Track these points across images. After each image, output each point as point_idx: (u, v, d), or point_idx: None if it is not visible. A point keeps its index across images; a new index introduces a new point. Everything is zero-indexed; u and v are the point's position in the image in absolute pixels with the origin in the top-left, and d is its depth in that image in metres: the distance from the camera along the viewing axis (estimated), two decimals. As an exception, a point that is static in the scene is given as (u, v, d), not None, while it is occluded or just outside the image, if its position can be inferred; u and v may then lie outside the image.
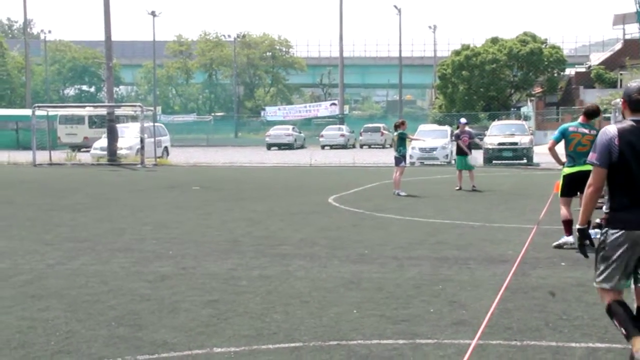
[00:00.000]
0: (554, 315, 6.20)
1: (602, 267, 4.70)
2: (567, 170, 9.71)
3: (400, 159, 17.48)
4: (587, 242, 5.06)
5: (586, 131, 9.74)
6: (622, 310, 4.63)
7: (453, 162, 30.16)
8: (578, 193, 9.29)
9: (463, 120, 19.45)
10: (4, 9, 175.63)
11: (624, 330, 4.61)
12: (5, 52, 76.47)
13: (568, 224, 9.56)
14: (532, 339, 5.56)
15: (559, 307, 6.49)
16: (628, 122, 4.66)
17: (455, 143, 19.64)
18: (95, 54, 79.40)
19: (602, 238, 4.70)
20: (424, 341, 5.50)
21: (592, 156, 4.72)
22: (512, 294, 6.96)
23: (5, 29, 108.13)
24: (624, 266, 4.61)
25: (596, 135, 5.49)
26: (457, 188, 18.12)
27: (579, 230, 5.01)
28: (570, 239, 9.50)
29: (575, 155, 9.63)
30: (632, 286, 4.77)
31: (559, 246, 9.54)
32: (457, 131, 19.45)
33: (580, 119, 9.96)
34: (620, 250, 4.58)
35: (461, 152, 18.44)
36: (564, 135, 9.79)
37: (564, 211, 9.70)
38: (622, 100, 4.84)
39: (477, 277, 7.80)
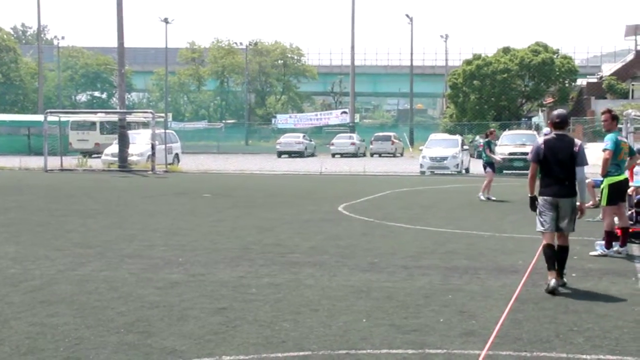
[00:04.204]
0: (564, 327, 6.16)
1: (539, 220, 7.74)
2: (615, 178, 9.75)
3: (486, 166, 18.43)
4: (536, 204, 7.78)
5: (625, 139, 9.91)
6: (549, 252, 7.62)
7: (464, 171, 30.20)
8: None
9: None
10: (18, 15, 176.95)
11: (547, 264, 7.59)
12: (19, 58, 76.97)
13: (611, 235, 9.61)
14: (543, 350, 5.53)
15: (569, 318, 6.46)
16: (551, 135, 7.76)
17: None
18: (107, 60, 79.74)
19: (537, 202, 7.75)
20: (433, 351, 5.48)
21: (529, 156, 7.87)
22: (522, 304, 6.93)
23: (19, 34, 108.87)
24: (549, 217, 7.62)
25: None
26: None
27: (530, 197, 7.89)
28: (618, 249, 9.78)
29: (621, 163, 9.81)
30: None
31: (601, 255, 9.70)
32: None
33: (614, 127, 9.91)
34: (546, 209, 7.67)
35: None
36: (617, 145, 9.81)
37: (610, 221, 9.69)
38: (549, 122, 7.98)
39: (487, 287, 7.77)
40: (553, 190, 7.63)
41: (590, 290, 7.59)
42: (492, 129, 19.77)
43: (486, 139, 18.86)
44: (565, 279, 7.74)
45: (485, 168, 18.56)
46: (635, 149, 11.58)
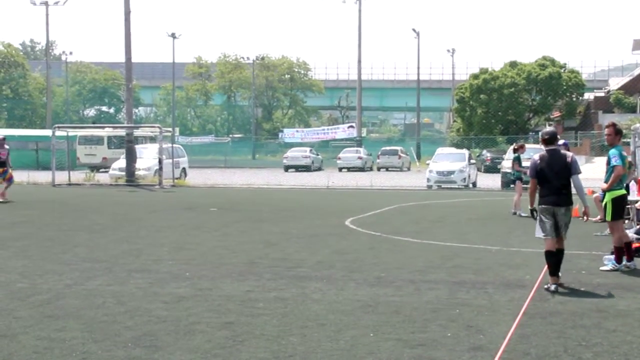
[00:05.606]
0: (572, 342, 6.14)
1: (540, 226, 8.57)
2: (618, 192, 9.76)
3: (516, 181, 18.16)
4: (535, 215, 8.71)
5: (625, 153, 9.94)
6: (551, 258, 8.42)
7: (471, 185, 30.12)
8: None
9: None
10: (26, 31, 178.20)
11: (548, 269, 8.44)
12: (27, 73, 77.41)
13: (621, 250, 9.56)
14: (551, 365, 5.50)
15: (578, 333, 6.43)
16: (543, 151, 8.65)
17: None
18: (115, 75, 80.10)
19: (538, 209, 8.61)
20: (440, 366, 5.46)
21: (528, 173, 8.77)
22: (530, 319, 6.91)
23: (27, 50, 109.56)
24: (549, 224, 8.46)
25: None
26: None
27: (530, 210, 8.98)
28: (627, 263, 9.67)
29: (623, 178, 9.89)
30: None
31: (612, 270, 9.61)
32: None
33: (617, 141, 9.87)
34: (545, 216, 8.51)
35: None
36: (623, 160, 9.80)
37: (618, 236, 9.62)
38: (540, 139, 8.92)
39: (494, 301, 7.74)
40: (551, 200, 8.50)
41: (598, 305, 7.55)
42: (521, 143, 19.33)
43: (515, 154, 18.53)
44: (561, 280, 8.46)
45: (515, 183, 18.23)
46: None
